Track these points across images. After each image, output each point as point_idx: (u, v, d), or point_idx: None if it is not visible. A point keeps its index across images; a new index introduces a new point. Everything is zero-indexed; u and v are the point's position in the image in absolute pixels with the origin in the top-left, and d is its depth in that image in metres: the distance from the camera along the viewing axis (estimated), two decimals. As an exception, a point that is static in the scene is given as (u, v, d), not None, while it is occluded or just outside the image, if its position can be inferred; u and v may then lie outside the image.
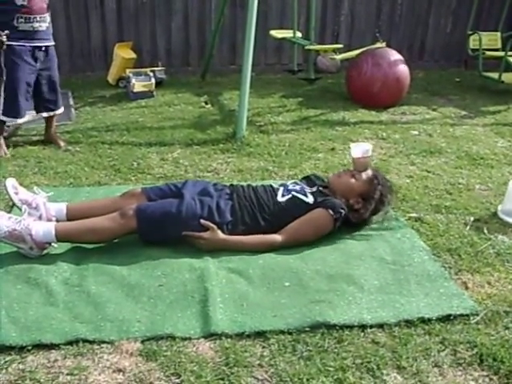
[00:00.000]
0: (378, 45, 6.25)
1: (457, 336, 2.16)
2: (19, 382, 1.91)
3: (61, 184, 3.60)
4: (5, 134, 4.47)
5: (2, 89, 4.00)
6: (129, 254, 2.67)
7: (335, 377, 1.94)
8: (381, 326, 2.21)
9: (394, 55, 5.66)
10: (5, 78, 3.97)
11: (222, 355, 2.04)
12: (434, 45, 7.61)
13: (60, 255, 2.65)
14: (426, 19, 7.51)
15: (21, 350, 2.04)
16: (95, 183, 3.62)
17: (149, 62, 6.75)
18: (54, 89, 4.24)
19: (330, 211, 2.79)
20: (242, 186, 3.01)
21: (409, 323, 2.22)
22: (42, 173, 3.78)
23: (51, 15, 4.11)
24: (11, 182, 2.90)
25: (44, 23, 3.99)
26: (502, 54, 6.13)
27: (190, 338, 2.12)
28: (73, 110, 5.28)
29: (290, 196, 2.88)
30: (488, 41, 6.43)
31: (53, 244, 2.66)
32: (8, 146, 4.18)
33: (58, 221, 2.80)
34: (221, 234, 2.71)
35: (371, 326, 2.20)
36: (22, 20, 3.85)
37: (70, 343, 2.07)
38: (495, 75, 6.09)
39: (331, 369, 1.98)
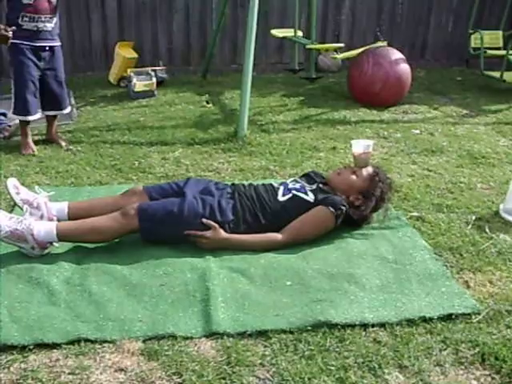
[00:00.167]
0: (379, 44, 6.25)
1: (458, 335, 2.16)
2: (21, 381, 1.91)
3: (62, 183, 3.61)
4: (6, 133, 4.49)
5: (12, 88, 4.02)
6: (130, 254, 2.67)
7: (337, 376, 1.94)
8: (382, 325, 2.20)
9: (396, 54, 5.65)
10: (12, 76, 3.99)
11: (224, 354, 2.04)
12: (435, 44, 7.60)
13: (61, 255, 2.66)
14: (428, 18, 7.51)
15: (23, 349, 2.04)
16: (96, 183, 3.62)
17: (150, 61, 6.76)
18: (60, 88, 4.25)
19: (331, 208, 2.79)
20: (244, 185, 3.01)
21: (410, 322, 2.22)
22: (43, 172, 3.78)
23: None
24: (12, 182, 2.90)
25: (49, 23, 4.00)
26: (503, 52, 6.13)
27: (191, 338, 2.12)
28: (74, 109, 5.28)
29: (290, 195, 2.88)
30: (489, 39, 6.42)
31: (54, 243, 2.66)
32: (10, 146, 4.19)
33: (59, 220, 2.80)
34: (223, 233, 2.71)
35: (373, 325, 2.20)
36: (27, 19, 3.86)
37: (72, 343, 2.07)
38: (497, 74, 6.09)
39: (333, 368, 1.98)
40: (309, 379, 1.92)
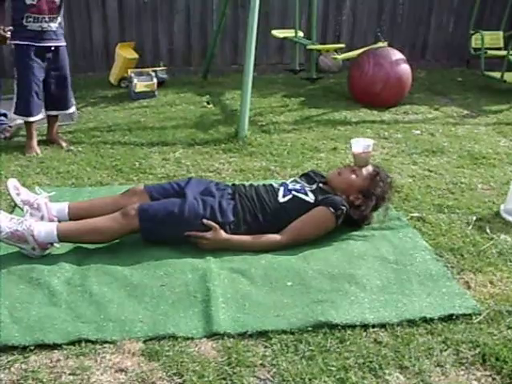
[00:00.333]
0: (380, 44, 6.25)
1: (459, 336, 2.16)
2: (22, 381, 1.91)
3: (63, 184, 3.61)
4: (7, 134, 4.50)
5: (15, 89, 4.03)
6: (131, 254, 2.67)
7: (337, 376, 1.94)
8: (383, 325, 2.20)
9: (396, 55, 5.65)
10: (16, 76, 4.00)
11: (225, 355, 2.04)
12: (435, 44, 7.60)
13: (62, 255, 2.66)
14: (428, 18, 7.50)
15: (23, 349, 2.04)
16: (97, 183, 3.63)
17: (151, 61, 6.76)
18: (64, 88, 4.26)
19: (331, 209, 2.79)
20: (244, 186, 3.01)
21: (411, 323, 2.22)
22: (44, 173, 3.78)
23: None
24: (13, 183, 2.90)
25: (53, 23, 4.00)
26: (504, 53, 6.13)
27: (192, 338, 2.12)
28: (75, 110, 5.28)
29: (290, 196, 2.87)
30: (490, 40, 6.41)
31: (55, 244, 2.66)
32: (10, 147, 4.20)
33: (59, 221, 2.80)
34: (223, 234, 2.71)
35: (373, 326, 2.20)
36: (31, 19, 3.87)
37: (73, 343, 2.07)
38: (497, 74, 6.09)
39: (333, 368, 1.97)
40: (309, 380, 1.92)
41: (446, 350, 2.09)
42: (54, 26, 4.01)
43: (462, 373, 1.99)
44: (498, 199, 3.43)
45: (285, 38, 6.42)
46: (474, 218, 3.17)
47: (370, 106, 5.52)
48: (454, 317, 2.26)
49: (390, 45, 6.22)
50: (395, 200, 3.29)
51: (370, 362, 2.01)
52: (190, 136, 4.59)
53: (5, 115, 4.59)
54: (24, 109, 4.08)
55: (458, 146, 4.47)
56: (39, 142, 4.31)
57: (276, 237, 2.76)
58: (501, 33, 6.51)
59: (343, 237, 2.89)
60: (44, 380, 1.91)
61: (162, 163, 4.01)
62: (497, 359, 2.04)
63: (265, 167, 3.92)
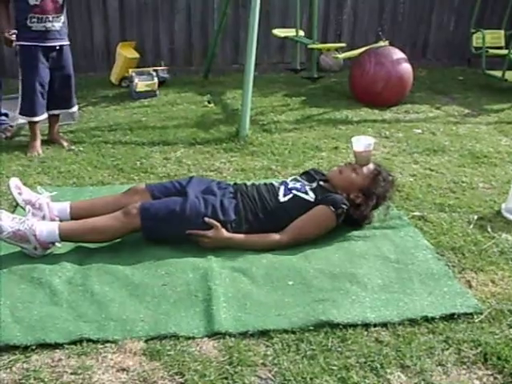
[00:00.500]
0: (381, 43, 6.24)
1: (461, 335, 2.16)
2: (23, 381, 1.91)
3: (64, 184, 3.61)
4: (8, 133, 4.50)
5: (20, 89, 4.04)
6: (132, 254, 2.67)
7: (339, 376, 1.94)
8: (384, 324, 2.20)
9: (397, 54, 5.65)
10: (20, 77, 4.01)
11: (226, 354, 2.04)
12: (436, 43, 7.59)
13: (63, 255, 2.66)
14: (429, 17, 7.50)
15: (25, 349, 2.04)
16: (98, 183, 3.63)
17: (152, 61, 6.75)
18: (68, 87, 4.27)
19: (332, 207, 2.79)
20: (246, 185, 3.01)
21: (412, 322, 2.22)
22: (45, 172, 3.78)
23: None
24: (15, 182, 2.90)
25: (57, 23, 4.01)
26: (505, 52, 6.12)
27: (193, 338, 2.12)
28: (77, 109, 5.28)
29: (291, 195, 2.87)
30: (491, 39, 6.41)
31: (57, 244, 2.66)
32: (11, 146, 4.20)
33: (61, 220, 2.80)
34: (225, 233, 2.71)
35: (375, 325, 2.20)
36: (35, 20, 3.88)
37: (74, 343, 2.07)
38: (498, 73, 6.08)
39: (335, 368, 1.98)
40: (311, 379, 1.92)
41: (447, 349, 2.09)
42: (57, 25, 4.01)
43: (464, 372, 1.99)
44: (499, 198, 3.43)
45: (286, 38, 6.42)
46: (476, 217, 3.17)
47: (371, 105, 5.51)
48: (455, 316, 2.26)
49: (391, 44, 6.21)
50: (396, 199, 3.29)
51: (372, 361, 2.01)
52: (191, 135, 4.59)
53: (6, 115, 4.60)
54: (29, 109, 4.09)
55: (459, 145, 4.46)
56: (40, 142, 4.31)
57: (277, 236, 2.76)
58: (502, 31, 6.51)
59: (344, 236, 2.89)
60: (45, 379, 1.91)
61: (163, 163, 4.01)
62: (498, 358, 2.04)
63: (266, 166, 3.92)
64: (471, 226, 3.07)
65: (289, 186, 2.93)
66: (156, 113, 5.34)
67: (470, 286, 2.49)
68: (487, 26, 6.63)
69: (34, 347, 2.05)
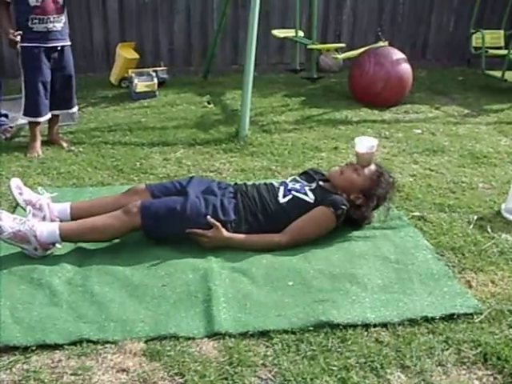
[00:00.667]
0: (381, 44, 6.25)
1: (461, 335, 2.16)
2: (23, 382, 1.91)
3: (64, 184, 3.61)
4: (8, 134, 4.50)
5: (23, 90, 4.04)
6: (132, 254, 2.67)
7: (339, 376, 1.94)
8: (384, 325, 2.20)
9: (397, 54, 5.65)
10: (23, 78, 4.01)
11: (226, 355, 2.04)
12: (436, 43, 7.60)
13: (63, 256, 2.66)
14: (429, 18, 7.50)
15: (25, 350, 2.04)
16: (98, 183, 3.63)
17: (151, 62, 6.75)
18: (69, 88, 4.28)
19: (332, 208, 2.79)
20: (246, 185, 3.01)
21: (412, 322, 2.22)
22: (45, 173, 3.78)
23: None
24: (16, 183, 2.90)
25: (58, 23, 4.02)
26: (505, 52, 6.12)
27: (193, 338, 2.12)
28: (77, 110, 5.27)
29: (290, 196, 2.87)
30: (491, 39, 6.41)
31: (57, 245, 2.66)
32: (11, 147, 4.20)
33: (61, 221, 2.80)
34: (225, 232, 2.71)
35: (375, 325, 2.20)
36: (37, 21, 3.89)
37: (74, 343, 2.07)
38: (498, 73, 6.08)
39: (335, 368, 1.98)
40: (311, 379, 1.92)
41: (447, 350, 2.09)
42: (59, 25, 4.02)
43: (464, 372, 1.99)
44: (498, 198, 3.43)
45: (285, 38, 6.42)
46: (475, 218, 3.17)
47: (371, 106, 5.51)
48: (455, 316, 2.26)
49: (390, 44, 6.22)
50: (396, 199, 3.28)
51: (372, 361, 2.02)
52: (190, 136, 4.59)
53: (6, 115, 4.60)
54: (33, 110, 4.10)
55: (459, 145, 4.47)
56: (40, 142, 4.30)
57: (277, 236, 2.76)
58: (501, 32, 6.51)
59: (344, 236, 2.89)
60: (45, 380, 1.91)
61: (163, 163, 4.01)
62: (498, 358, 2.04)
63: (266, 167, 3.92)
64: (471, 227, 3.07)
65: (288, 187, 2.93)
66: (155, 113, 5.34)
67: (470, 286, 2.49)
68: (487, 26, 6.64)
69: (33, 348, 2.05)
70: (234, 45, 7.10)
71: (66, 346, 2.06)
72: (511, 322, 2.25)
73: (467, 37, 6.65)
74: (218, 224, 2.69)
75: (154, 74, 5.99)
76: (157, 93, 5.91)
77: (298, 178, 3.07)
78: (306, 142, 4.48)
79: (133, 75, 5.90)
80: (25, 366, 1.98)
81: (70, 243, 2.71)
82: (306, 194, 2.89)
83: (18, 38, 3.85)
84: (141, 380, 1.93)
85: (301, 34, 6.31)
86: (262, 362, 2.01)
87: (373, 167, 2.98)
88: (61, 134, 4.49)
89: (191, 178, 3.06)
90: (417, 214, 3.20)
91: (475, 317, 2.26)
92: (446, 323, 2.22)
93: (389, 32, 7.23)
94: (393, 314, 2.26)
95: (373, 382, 1.93)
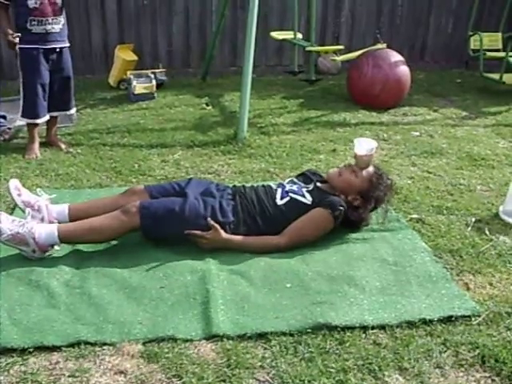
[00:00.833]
0: (379, 46, 6.24)
1: (458, 337, 2.16)
2: (21, 384, 1.91)
3: (62, 186, 3.61)
4: (6, 136, 4.50)
5: (21, 91, 4.04)
6: (130, 256, 2.67)
7: (337, 378, 1.94)
8: (382, 327, 2.20)
9: (395, 56, 5.66)
10: (21, 80, 4.02)
11: (224, 357, 2.04)
12: (434, 46, 7.61)
13: (61, 257, 2.66)
14: (427, 20, 7.51)
15: (22, 352, 2.04)
16: (96, 185, 3.63)
17: (150, 63, 6.75)
18: (67, 89, 4.28)
19: (329, 210, 2.79)
20: (244, 187, 3.01)
21: (410, 324, 2.22)
22: (43, 175, 3.78)
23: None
24: (14, 184, 2.91)
25: (57, 25, 4.03)
26: (503, 54, 6.13)
27: (191, 340, 2.12)
28: (75, 111, 5.27)
29: (288, 198, 2.87)
30: (489, 41, 6.42)
31: (55, 247, 2.66)
32: (9, 149, 4.20)
33: (60, 222, 2.79)
34: (223, 234, 2.71)
35: (373, 328, 2.20)
36: (35, 23, 3.90)
37: (72, 345, 2.07)
38: (496, 76, 6.08)
39: (333, 370, 1.98)
40: (309, 381, 1.92)
41: (445, 352, 2.09)
42: (57, 27, 4.03)
43: (462, 374, 1.99)
44: (496, 200, 3.44)
45: (284, 40, 6.42)
46: (473, 220, 3.17)
47: (369, 108, 5.52)
48: (453, 318, 2.26)
49: (388, 46, 6.22)
50: (394, 201, 3.29)
51: (370, 363, 2.02)
52: (189, 138, 4.59)
53: (4, 117, 4.60)
54: (31, 111, 4.10)
55: (457, 148, 4.47)
56: (39, 144, 4.30)
57: (275, 238, 2.76)
58: (499, 34, 6.51)
59: (342, 238, 2.90)
60: (43, 382, 1.91)
61: (161, 165, 4.01)
62: (496, 360, 2.04)
63: (264, 169, 3.92)
64: (469, 229, 3.07)
65: (286, 189, 2.93)
66: (154, 115, 5.33)
67: (468, 289, 2.49)
68: (485, 29, 6.65)
69: (31, 350, 2.04)
70: (232, 47, 7.11)
71: (63, 348, 2.06)
72: (509, 324, 2.25)
73: (465, 39, 6.66)
74: (216, 226, 2.69)
75: (152, 76, 5.99)
76: (155, 94, 5.91)
77: (295, 180, 3.07)
78: (305, 144, 4.48)
79: (131, 77, 5.90)
80: (22, 368, 1.97)
81: (68, 245, 2.71)
82: (303, 195, 2.89)
83: (17, 40, 3.86)
84: (138, 382, 1.93)
85: (299, 36, 6.31)
86: (259, 364, 2.01)
87: (371, 169, 2.98)
88: (59, 136, 4.49)
89: (190, 179, 3.06)
90: (415, 216, 3.20)
91: (473, 319, 2.27)
92: (443, 325, 2.22)
93: (387, 34, 7.24)
94: (391, 316, 2.26)
95: (371, 384, 1.93)
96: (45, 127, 4.38)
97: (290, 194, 2.89)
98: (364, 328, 2.19)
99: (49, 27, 3.96)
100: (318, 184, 2.99)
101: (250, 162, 4.07)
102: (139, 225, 2.67)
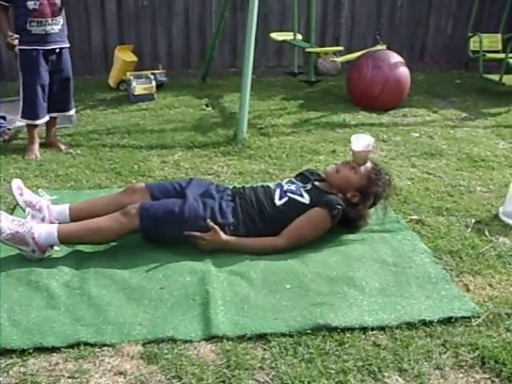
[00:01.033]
0: (379, 47, 6.24)
1: (458, 338, 2.16)
2: (20, 385, 1.91)
3: (62, 187, 3.61)
4: (6, 137, 4.50)
5: (21, 92, 4.05)
6: (130, 257, 2.67)
7: (336, 379, 1.94)
8: (382, 328, 2.20)
9: (395, 57, 5.66)
10: (21, 81, 4.02)
11: (224, 358, 2.04)
12: (434, 47, 7.61)
13: (61, 258, 2.66)
14: (427, 21, 7.51)
15: (22, 353, 2.04)
16: (96, 186, 3.63)
17: (149, 64, 6.75)
18: (67, 90, 4.29)
19: (327, 209, 2.78)
20: (244, 188, 3.01)
21: (410, 325, 2.22)
22: (43, 176, 3.78)
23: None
24: (17, 183, 2.92)
25: (56, 26, 4.03)
26: (502, 55, 6.12)
27: (191, 341, 2.12)
28: (74, 112, 5.27)
29: (286, 198, 2.87)
30: (489, 42, 6.42)
31: (55, 247, 2.66)
32: (9, 149, 4.20)
33: (60, 223, 2.79)
34: (223, 236, 2.71)
35: (372, 329, 2.20)
36: (35, 24, 3.91)
37: (71, 346, 2.07)
38: (496, 77, 6.08)
39: (332, 371, 1.97)
40: (308, 382, 1.92)
41: (445, 353, 2.09)
42: (57, 28, 4.04)
43: (461, 375, 1.99)
44: (496, 202, 3.44)
45: (283, 41, 6.42)
46: (473, 221, 3.17)
47: (369, 109, 5.52)
48: (453, 319, 2.26)
49: (388, 47, 6.22)
50: (394, 202, 3.29)
51: (369, 364, 2.01)
52: (188, 139, 4.59)
53: (4, 118, 4.60)
54: (31, 112, 4.11)
55: (457, 149, 4.47)
56: (38, 145, 4.31)
57: (275, 239, 2.76)
58: (499, 35, 6.52)
59: (342, 239, 2.90)
60: (43, 383, 1.91)
61: (161, 166, 4.01)
62: (496, 362, 2.04)
63: (263, 170, 3.92)
64: (469, 230, 3.07)
65: (284, 189, 2.93)
66: (154, 116, 5.34)
67: (468, 290, 2.49)
68: (485, 30, 6.65)
69: (31, 351, 2.04)
70: (232, 48, 7.11)
71: (63, 349, 2.06)
72: (509, 325, 2.25)
73: (465, 40, 6.66)
74: (216, 227, 2.69)
75: (152, 77, 5.99)
76: (155, 95, 5.91)
77: (293, 180, 3.07)
78: (304, 145, 4.48)
79: (131, 78, 5.90)
80: (22, 369, 1.97)
81: (67, 246, 2.71)
82: (301, 195, 2.89)
83: (16, 42, 3.86)
84: (138, 383, 1.92)
85: (299, 37, 6.31)
86: (259, 365, 2.01)
87: (369, 165, 2.97)
88: (59, 137, 4.49)
89: (191, 179, 3.07)
90: (415, 217, 3.20)
91: (473, 320, 2.27)
92: (443, 326, 2.22)
93: (387, 35, 7.24)
94: (390, 317, 2.26)
95: (370, 386, 1.93)
96: (44, 128, 4.38)
97: (289, 194, 2.89)
98: (364, 329, 2.19)
99: (48, 28, 3.97)
100: (316, 183, 2.99)
101: (249, 163, 4.07)
102: (139, 226, 2.67)
